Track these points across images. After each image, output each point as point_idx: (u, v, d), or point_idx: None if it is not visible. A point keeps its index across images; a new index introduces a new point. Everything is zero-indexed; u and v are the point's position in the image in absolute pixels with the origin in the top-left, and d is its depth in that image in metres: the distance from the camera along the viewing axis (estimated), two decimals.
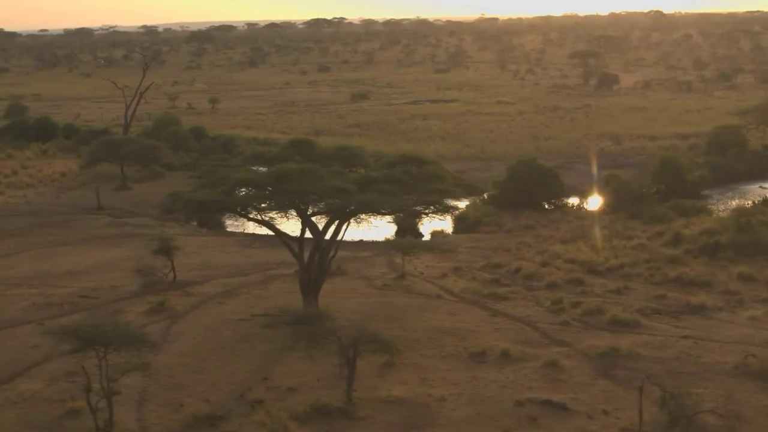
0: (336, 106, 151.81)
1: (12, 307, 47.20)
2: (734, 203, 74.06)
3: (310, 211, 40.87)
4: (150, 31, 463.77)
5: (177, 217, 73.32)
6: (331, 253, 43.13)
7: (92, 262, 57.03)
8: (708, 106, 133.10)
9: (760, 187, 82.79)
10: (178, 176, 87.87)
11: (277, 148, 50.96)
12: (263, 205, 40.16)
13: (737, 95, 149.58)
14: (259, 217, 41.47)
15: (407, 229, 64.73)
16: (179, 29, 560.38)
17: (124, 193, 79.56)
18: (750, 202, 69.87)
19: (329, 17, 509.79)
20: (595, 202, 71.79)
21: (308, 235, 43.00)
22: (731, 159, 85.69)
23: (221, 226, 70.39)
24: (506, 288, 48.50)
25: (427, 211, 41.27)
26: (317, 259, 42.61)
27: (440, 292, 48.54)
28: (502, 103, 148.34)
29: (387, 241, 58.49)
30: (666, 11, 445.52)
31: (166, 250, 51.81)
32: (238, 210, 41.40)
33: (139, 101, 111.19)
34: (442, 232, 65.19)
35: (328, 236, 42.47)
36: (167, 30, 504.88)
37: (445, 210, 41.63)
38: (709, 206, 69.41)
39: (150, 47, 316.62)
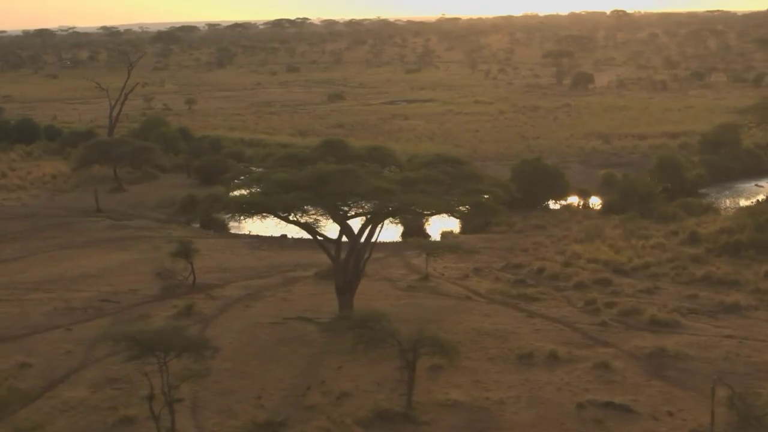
0: (313, 106, 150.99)
1: (34, 312, 46.30)
2: (742, 201, 74.05)
3: (352, 213, 40.24)
4: (113, 33, 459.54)
5: (177, 218, 72.64)
6: (366, 255, 42.60)
7: (103, 265, 56.12)
8: (688, 105, 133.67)
9: (756, 185, 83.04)
10: (171, 178, 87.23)
11: (307, 149, 49.75)
12: (307, 206, 39.38)
13: (713, 94, 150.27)
14: (301, 220, 40.68)
15: (414, 229, 64.12)
16: (138, 30, 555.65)
17: (120, 195, 78.46)
18: (756, 200, 69.78)
19: (290, 17, 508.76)
20: (600, 201, 71.62)
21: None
22: (726, 158, 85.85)
23: (225, 228, 69.43)
24: (534, 289, 48.13)
25: (471, 211, 40.72)
26: (353, 261, 42.03)
27: (467, 294, 48.10)
28: (480, 102, 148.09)
29: (410, 242, 57.82)
30: (627, 11, 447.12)
31: (185, 252, 50.99)
32: (280, 212, 40.57)
33: (123, 102, 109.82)
34: (451, 232, 64.69)
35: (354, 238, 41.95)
36: (127, 31, 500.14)
37: (488, 210, 41.17)
38: (715, 205, 69.16)
39: (115, 48, 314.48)
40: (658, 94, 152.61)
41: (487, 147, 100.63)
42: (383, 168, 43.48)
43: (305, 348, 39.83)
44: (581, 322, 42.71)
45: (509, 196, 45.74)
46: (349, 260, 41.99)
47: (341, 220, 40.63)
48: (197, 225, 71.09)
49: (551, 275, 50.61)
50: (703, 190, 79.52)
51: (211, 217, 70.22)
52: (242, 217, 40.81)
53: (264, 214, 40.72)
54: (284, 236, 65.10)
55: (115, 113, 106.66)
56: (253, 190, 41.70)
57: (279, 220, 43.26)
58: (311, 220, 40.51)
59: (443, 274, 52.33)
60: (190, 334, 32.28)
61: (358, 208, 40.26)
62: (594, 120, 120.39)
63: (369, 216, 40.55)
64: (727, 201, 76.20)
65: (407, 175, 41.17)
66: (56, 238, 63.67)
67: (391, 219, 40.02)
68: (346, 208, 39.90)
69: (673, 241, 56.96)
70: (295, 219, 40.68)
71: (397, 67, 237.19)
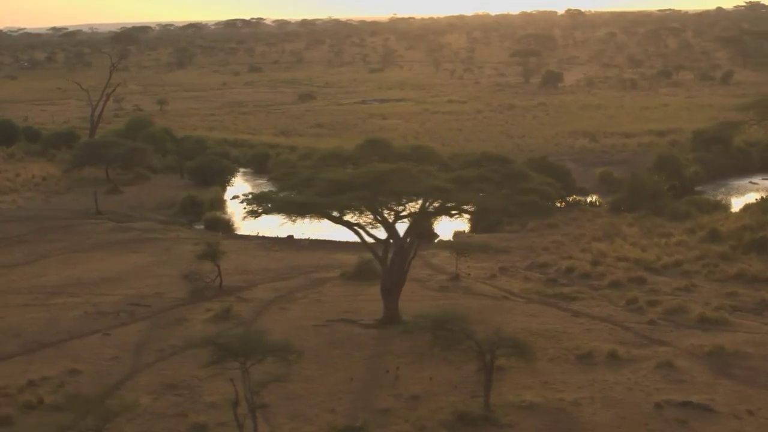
0: (286, 106, 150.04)
1: (65, 317, 45.27)
2: (741, 198, 74.28)
3: (406, 212, 39.66)
4: (66, 34, 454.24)
5: (178, 219, 71.74)
6: (411, 255, 42.07)
7: (119, 268, 55.11)
8: (663, 104, 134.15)
9: (750, 182, 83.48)
10: (163, 179, 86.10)
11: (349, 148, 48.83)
12: (363, 206, 38.71)
13: (684, 92, 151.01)
14: (353, 220, 40.01)
15: (423, 230, 63.48)
16: (89, 30, 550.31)
17: (117, 197, 77.20)
18: (761, 197, 69.99)
19: (244, 17, 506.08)
20: (601, 199, 71.49)
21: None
22: (719, 155, 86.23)
23: (231, 229, 68.55)
24: (569, 288, 47.82)
25: (525, 210, 40.26)
26: (398, 262, 41.47)
27: (502, 293, 47.71)
28: (454, 102, 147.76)
29: (441, 242, 57.29)
30: (581, 10, 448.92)
31: (212, 254, 50.14)
32: (335, 213, 39.82)
33: (105, 103, 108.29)
34: (464, 232, 64.22)
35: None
36: (77, 31, 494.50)
37: (542, 210, 40.76)
38: (723, 202, 69.25)
39: (70, 49, 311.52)
40: (629, 93, 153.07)
41: (474, 146, 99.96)
42: (432, 167, 42.61)
43: (358, 351, 39.24)
44: (629, 321, 42.44)
45: (558, 195, 45.33)
46: (395, 261, 41.37)
47: (394, 220, 39.98)
48: (201, 226, 70.25)
49: (582, 274, 50.35)
50: (699, 188, 79.70)
51: (217, 219, 69.62)
52: (291, 219, 39.71)
53: (314, 215, 39.91)
54: (291, 237, 64.39)
55: (96, 114, 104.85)
56: (292, 193, 40.73)
57: (303, 220, 42.33)
58: (367, 221, 39.84)
59: (469, 274, 51.88)
60: (272, 338, 31.39)
61: (413, 207, 39.56)
62: (573, 118, 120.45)
63: (420, 215, 39.93)
64: (729, 198, 76.31)
65: (459, 174, 40.64)
66: (62, 241, 62.48)
67: (446, 217, 39.27)
68: (400, 208, 39.22)
69: (693, 238, 56.91)
70: (347, 220, 39.96)
71: (359, 66, 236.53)
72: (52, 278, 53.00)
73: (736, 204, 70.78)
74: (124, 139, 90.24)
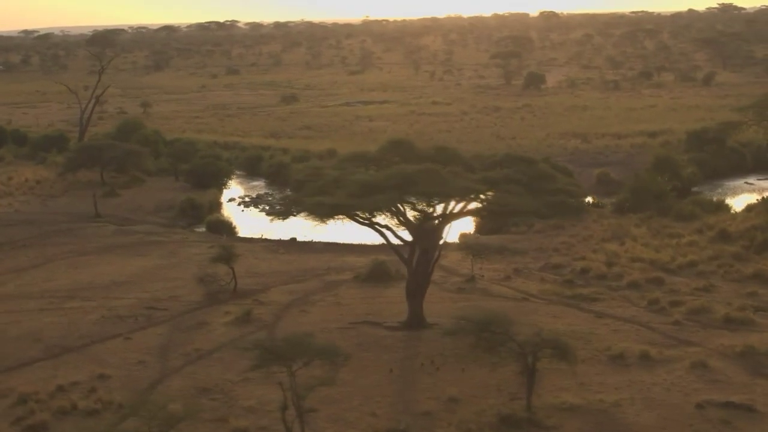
0: (270, 108, 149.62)
1: (82, 321, 44.84)
2: (758, 198, 74.23)
3: (436, 213, 39.44)
4: (39, 36, 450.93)
5: (176, 222, 71.33)
6: (436, 256, 41.88)
7: (129, 272, 54.64)
8: (650, 105, 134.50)
9: (746, 183, 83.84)
10: (158, 181, 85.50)
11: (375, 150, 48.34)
12: (394, 208, 38.45)
13: (667, 93, 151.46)
14: (383, 222, 39.74)
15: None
16: (60, 33, 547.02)
17: (114, 200, 76.53)
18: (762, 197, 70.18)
19: (211, 20, 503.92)
20: (606, 200, 71.46)
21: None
22: (713, 156, 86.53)
23: (233, 232, 68.15)
24: (587, 289, 47.73)
25: (556, 210, 40.11)
26: (423, 264, 41.26)
27: (521, 295, 47.58)
28: (438, 103, 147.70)
29: (456, 244, 56.99)
30: (556, 12, 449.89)
31: (227, 257, 49.80)
32: (366, 214, 39.51)
33: (95, 105, 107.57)
34: (469, 234, 64.01)
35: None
36: (50, 34, 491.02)
37: (572, 210, 40.63)
38: (726, 202, 69.31)
39: (45, 52, 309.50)
40: (612, 94, 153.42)
41: (467, 147, 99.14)
42: (457, 168, 42.25)
43: (387, 353, 38.98)
44: (653, 321, 42.38)
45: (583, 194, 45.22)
46: (420, 263, 41.15)
47: (421, 221, 39.74)
48: (201, 229, 69.88)
49: (599, 275, 50.27)
50: (696, 188, 79.87)
51: (219, 221, 69.27)
52: (322, 220, 39.42)
53: (343, 216, 39.64)
54: (294, 239, 64.14)
55: (86, 116, 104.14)
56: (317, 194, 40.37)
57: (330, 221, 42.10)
58: (395, 222, 39.59)
59: (483, 276, 51.72)
60: (318, 341, 31.05)
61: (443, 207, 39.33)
62: (561, 120, 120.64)
63: (448, 217, 39.73)
64: (728, 198, 76.39)
65: (487, 174, 40.45)
66: (66, 245, 61.89)
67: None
68: (430, 209, 38.99)
69: (703, 238, 56.96)
70: (375, 221, 39.71)
71: (338, 68, 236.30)
72: (62, 282, 52.47)
73: (736, 204, 70.71)
74: (118, 141, 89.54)
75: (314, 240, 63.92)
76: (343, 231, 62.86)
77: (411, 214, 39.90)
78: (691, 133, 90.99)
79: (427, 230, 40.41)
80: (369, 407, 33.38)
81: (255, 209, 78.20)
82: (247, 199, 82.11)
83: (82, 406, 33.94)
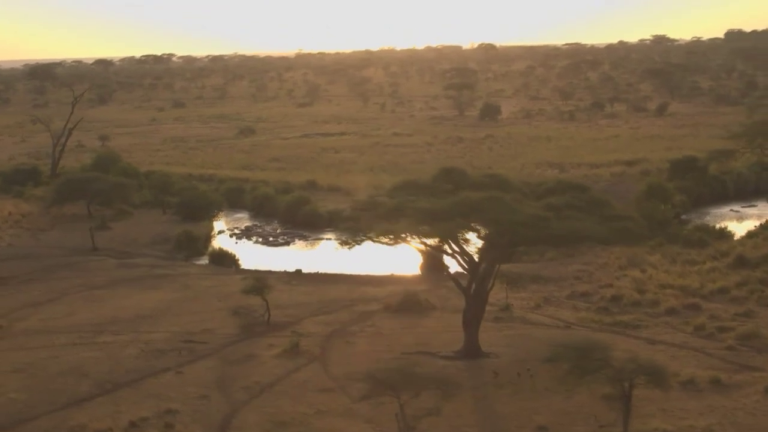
0: (229, 141, 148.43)
1: (122, 355, 43.89)
2: (756, 224, 75.09)
3: (503, 241, 39.10)
4: None
5: (174, 255, 70.41)
6: (490, 284, 41.58)
7: (149, 305, 53.67)
8: (613, 135, 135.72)
9: (732, 210, 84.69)
10: (145, 214, 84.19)
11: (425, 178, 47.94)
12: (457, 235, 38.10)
13: (624, 123, 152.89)
14: (449, 249, 39.35)
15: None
16: None
17: (106, 233, 75.07)
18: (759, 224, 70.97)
19: (147, 53, 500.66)
20: None
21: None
22: (696, 184, 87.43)
23: (237, 264, 67.23)
24: (626, 316, 47.77)
25: (618, 237, 39.96)
26: (480, 293, 40.94)
27: (560, 323, 47.44)
28: (400, 134, 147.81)
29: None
30: (494, 44, 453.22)
31: (259, 289, 49.11)
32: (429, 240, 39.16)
33: (68, 138, 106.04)
34: None
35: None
36: None
37: (639, 236, 40.56)
38: (727, 229, 69.87)
39: None
40: (570, 124, 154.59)
41: None
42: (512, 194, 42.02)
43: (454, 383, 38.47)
44: (708, 347, 42.42)
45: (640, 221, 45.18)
46: (478, 292, 40.83)
47: (483, 249, 39.44)
48: (201, 261, 68.98)
49: (632, 302, 50.28)
50: (684, 216, 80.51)
51: (223, 254, 68.40)
52: (391, 243, 39.05)
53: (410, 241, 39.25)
54: (299, 271, 63.43)
55: (58, 149, 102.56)
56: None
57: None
58: (458, 249, 39.24)
59: (513, 305, 51.45)
60: (424, 371, 30.55)
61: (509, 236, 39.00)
62: (530, 150, 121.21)
63: (509, 244, 39.47)
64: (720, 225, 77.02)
65: (550, 201, 40.29)
66: (73, 278, 60.66)
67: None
68: (501, 236, 38.65)
69: (721, 264, 57.29)
70: (443, 248, 39.35)
71: (285, 101, 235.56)
72: (85, 316, 51.37)
73: (735, 230, 71.31)
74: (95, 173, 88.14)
75: (320, 272, 63.32)
76: (349, 262, 62.63)
77: (473, 243, 39.62)
78: (674, 161, 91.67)
79: (489, 258, 40.06)
80: None
81: (248, 241, 77.43)
82: (237, 231, 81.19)
83: None
